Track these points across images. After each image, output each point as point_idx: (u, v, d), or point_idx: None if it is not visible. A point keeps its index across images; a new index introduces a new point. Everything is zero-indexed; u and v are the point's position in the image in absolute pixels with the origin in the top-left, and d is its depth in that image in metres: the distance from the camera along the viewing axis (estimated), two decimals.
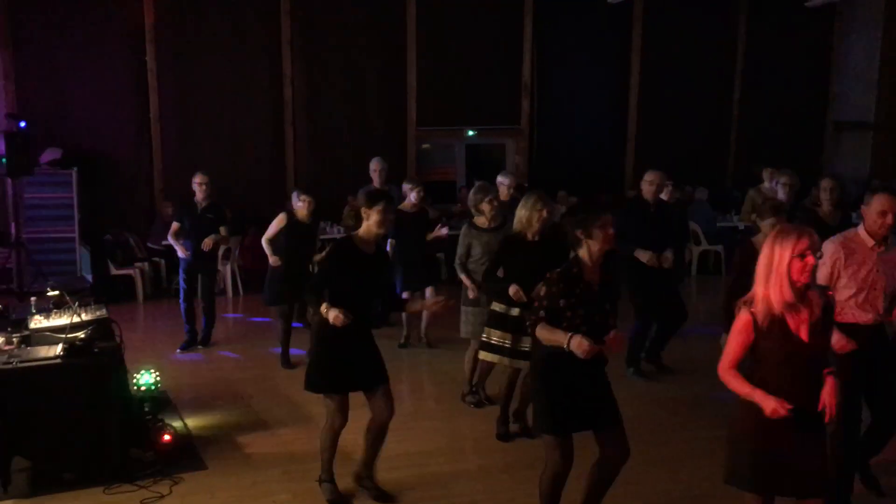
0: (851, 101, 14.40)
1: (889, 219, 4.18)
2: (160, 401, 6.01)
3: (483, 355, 5.62)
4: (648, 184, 6.81)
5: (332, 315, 4.21)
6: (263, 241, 7.54)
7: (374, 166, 8.74)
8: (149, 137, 11.57)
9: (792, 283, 3.23)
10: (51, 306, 5.69)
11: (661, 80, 13.61)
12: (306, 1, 12.03)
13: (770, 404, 3.21)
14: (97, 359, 4.83)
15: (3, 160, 9.74)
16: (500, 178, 7.52)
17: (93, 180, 11.11)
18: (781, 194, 7.09)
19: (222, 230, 7.90)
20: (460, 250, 6.17)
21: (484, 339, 5.57)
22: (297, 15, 11.95)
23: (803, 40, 14.26)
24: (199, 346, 8.16)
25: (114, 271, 10.54)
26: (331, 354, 4.43)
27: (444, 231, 7.89)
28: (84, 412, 4.75)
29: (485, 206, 6.09)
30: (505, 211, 6.39)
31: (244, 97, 11.93)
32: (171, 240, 8.06)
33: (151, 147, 11.60)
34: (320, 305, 4.30)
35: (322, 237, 9.18)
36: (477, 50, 12.81)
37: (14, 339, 5.05)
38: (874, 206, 4.21)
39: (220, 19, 11.78)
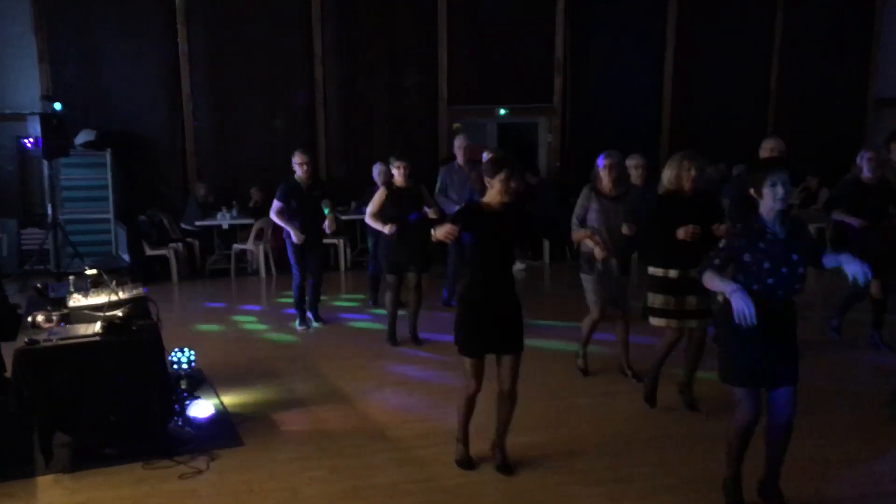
0: (894, 77, 14.01)
1: None
2: (196, 378, 6.05)
3: (652, 321, 5.49)
4: (769, 151, 6.59)
5: (440, 233, 4.12)
6: (368, 219, 7.34)
7: (459, 143, 8.58)
8: (181, 118, 11.64)
9: None
10: (89, 285, 5.73)
11: (696, 56, 13.36)
12: None
13: None
14: (135, 336, 4.84)
15: (39, 142, 9.85)
16: (628, 161, 7.20)
17: (127, 161, 11.22)
18: (866, 171, 6.96)
19: (329, 214, 7.86)
20: (578, 211, 6.11)
21: (649, 305, 5.47)
22: None
23: (843, 14, 13.89)
24: (317, 324, 8.18)
25: (149, 252, 10.63)
26: (464, 316, 4.38)
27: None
28: (123, 389, 4.77)
29: (601, 172, 6.07)
30: (634, 189, 6.45)
31: (276, 77, 11.95)
32: (278, 220, 7.88)
33: (184, 128, 11.67)
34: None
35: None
36: (509, 27, 12.65)
37: (54, 317, 5.11)
38: None
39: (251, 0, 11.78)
